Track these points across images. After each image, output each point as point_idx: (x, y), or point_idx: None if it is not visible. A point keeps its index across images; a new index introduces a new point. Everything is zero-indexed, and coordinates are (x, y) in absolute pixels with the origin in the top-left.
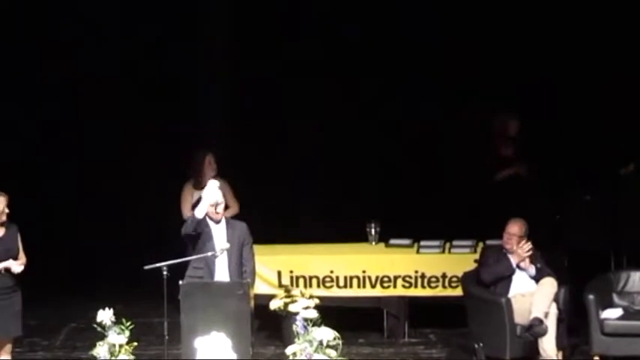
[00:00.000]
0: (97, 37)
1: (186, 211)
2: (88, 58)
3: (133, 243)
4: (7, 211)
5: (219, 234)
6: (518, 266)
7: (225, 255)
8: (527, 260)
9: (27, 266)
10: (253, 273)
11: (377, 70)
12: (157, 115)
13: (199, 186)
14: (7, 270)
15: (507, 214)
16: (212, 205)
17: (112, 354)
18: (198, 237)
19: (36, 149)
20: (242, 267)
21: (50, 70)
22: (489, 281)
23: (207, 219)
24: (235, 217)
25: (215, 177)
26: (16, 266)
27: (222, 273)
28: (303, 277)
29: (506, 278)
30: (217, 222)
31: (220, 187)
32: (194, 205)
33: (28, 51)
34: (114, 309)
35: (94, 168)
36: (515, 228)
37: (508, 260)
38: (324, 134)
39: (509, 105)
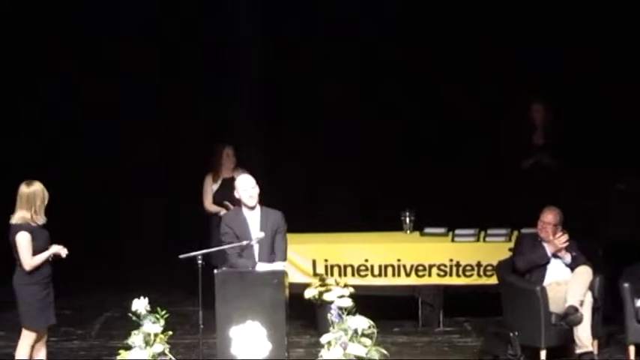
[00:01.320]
0: (121, 33)
1: (207, 203)
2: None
3: (168, 232)
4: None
5: (254, 222)
6: (553, 255)
7: (257, 242)
8: (563, 250)
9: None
10: (284, 261)
11: (413, 57)
12: (185, 107)
13: (218, 178)
14: (56, 257)
15: (541, 202)
16: (245, 190)
17: (147, 343)
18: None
19: (68, 143)
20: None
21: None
22: (524, 269)
23: (242, 206)
24: (273, 205)
25: (235, 169)
26: (63, 251)
27: (252, 260)
28: (338, 265)
29: (541, 267)
30: (252, 208)
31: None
32: (215, 197)
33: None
34: (149, 298)
35: (126, 160)
36: (549, 216)
37: (543, 249)
38: (358, 123)
39: (545, 95)
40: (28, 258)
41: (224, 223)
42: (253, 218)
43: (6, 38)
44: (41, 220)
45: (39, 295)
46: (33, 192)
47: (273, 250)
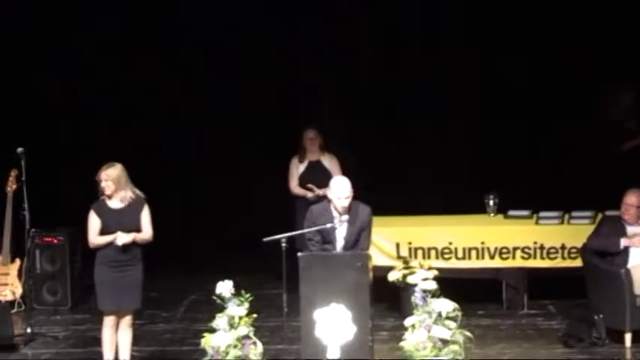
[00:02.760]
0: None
1: (292, 185)
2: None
3: (253, 214)
4: (109, 184)
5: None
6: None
7: (342, 238)
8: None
9: (151, 242)
10: None
11: (500, 43)
12: (273, 92)
13: (304, 160)
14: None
15: (630, 185)
16: (338, 199)
17: (231, 326)
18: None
19: (164, 128)
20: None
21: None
22: (594, 250)
23: (332, 207)
24: (356, 188)
25: (321, 152)
26: (120, 238)
27: None
28: (422, 248)
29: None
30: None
31: (326, 162)
32: (301, 180)
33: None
34: (233, 281)
35: (214, 143)
36: (633, 198)
37: (617, 241)
38: (443, 106)
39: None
40: (90, 236)
41: (309, 219)
42: (341, 218)
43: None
44: (111, 201)
45: (105, 276)
46: (99, 174)
47: (356, 245)
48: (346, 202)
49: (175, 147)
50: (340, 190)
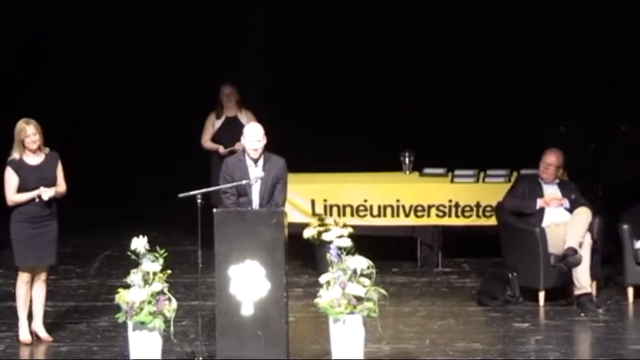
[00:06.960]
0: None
1: (203, 140)
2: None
3: (167, 170)
4: (37, 137)
5: (256, 170)
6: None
7: (257, 191)
8: (556, 203)
9: (64, 196)
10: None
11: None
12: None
13: (220, 117)
14: (40, 198)
15: (542, 143)
16: (250, 141)
17: (145, 281)
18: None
19: (86, 89)
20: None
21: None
22: (509, 210)
23: (246, 157)
24: (273, 143)
25: (239, 108)
26: (45, 193)
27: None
28: (337, 205)
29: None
30: (256, 160)
31: (243, 118)
32: (216, 135)
33: None
34: (148, 237)
35: (126, 99)
36: (552, 157)
37: (533, 202)
38: (361, 64)
39: None
40: (8, 193)
41: (224, 171)
42: (255, 167)
43: None
44: (28, 157)
45: (24, 233)
46: (15, 129)
47: (272, 197)
48: (258, 146)
49: (93, 104)
50: (252, 133)
